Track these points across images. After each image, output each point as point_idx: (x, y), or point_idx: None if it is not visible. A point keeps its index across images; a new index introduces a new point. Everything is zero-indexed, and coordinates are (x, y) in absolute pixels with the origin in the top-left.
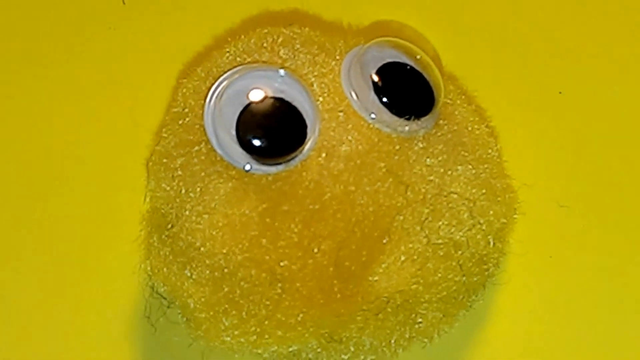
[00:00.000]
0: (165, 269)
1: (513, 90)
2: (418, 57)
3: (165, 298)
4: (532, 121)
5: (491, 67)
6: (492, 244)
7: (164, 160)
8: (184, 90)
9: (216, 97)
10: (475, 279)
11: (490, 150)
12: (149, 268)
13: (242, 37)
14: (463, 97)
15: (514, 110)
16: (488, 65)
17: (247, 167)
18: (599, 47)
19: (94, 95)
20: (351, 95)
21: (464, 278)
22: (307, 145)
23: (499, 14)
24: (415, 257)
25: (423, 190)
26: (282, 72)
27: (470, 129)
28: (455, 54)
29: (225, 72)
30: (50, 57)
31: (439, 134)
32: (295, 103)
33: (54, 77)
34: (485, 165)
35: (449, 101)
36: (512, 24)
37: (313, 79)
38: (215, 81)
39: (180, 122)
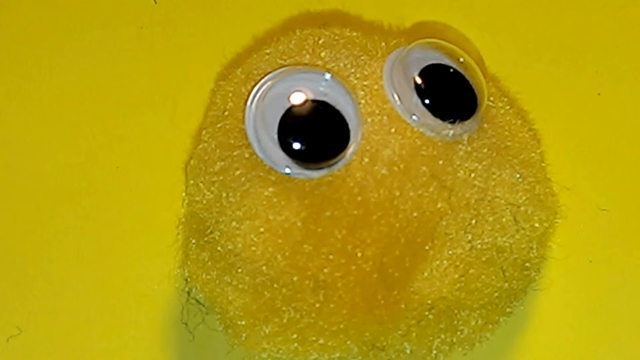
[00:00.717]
0: (204, 275)
1: (553, 91)
2: (461, 59)
3: (203, 304)
4: (571, 123)
5: (532, 69)
6: (534, 249)
7: (204, 164)
8: (224, 92)
9: (258, 100)
10: (517, 284)
11: (533, 154)
12: (186, 274)
13: (282, 38)
14: (505, 99)
15: (554, 112)
16: (529, 67)
17: (289, 171)
18: (638, 48)
19: (131, 98)
20: (393, 98)
21: (506, 284)
22: (350, 150)
23: (540, 17)
24: (458, 263)
25: (467, 195)
26: (327, 75)
27: (513, 132)
28: (498, 56)
29: (266, 74)
30: (83, 58)
31: (482, 137)
32: (337, 106)
33: (89, 80)
34: (529, 170)
35: (491, 104)
36: (553, 27)
37: (355, 82)
38: (257, 84)
39: (220, 125)
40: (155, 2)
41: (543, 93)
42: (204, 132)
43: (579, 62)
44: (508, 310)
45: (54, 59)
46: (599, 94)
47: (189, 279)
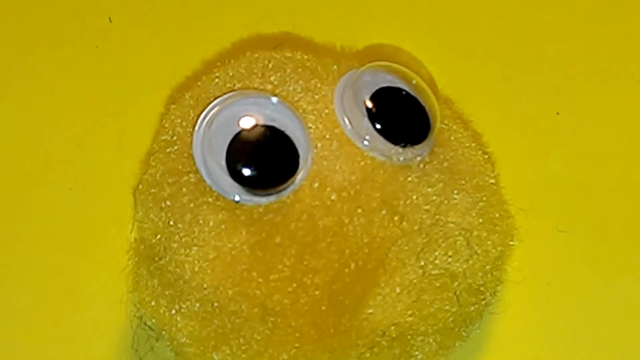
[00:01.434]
0: (153, 302)
1: (510, 112)
2: (413, 82)
3: (154, 330)
4: (529, 143)
5: (487, 89)
6: (489, 273)
7: (152, 190)
8: (172, 117)
9: (205, 125)
10: (472, 309)
11: (487, 178)
12: (137, 300)
13: (232, 61)
14: (459, 121)
15: (510, 132)
16: (483, 88)
17: (237, 198)
18: (597, 65)
19: (77, 118)
20: (344, 122)
21: (461, 309)
22: (299, 175)
23: (494, 37)
24: (410, 288)
25: (419, 220)
26: (274, 99)
27: (466, 155)
28: (451, 78)
29: (214, 99)
30: (34, 76)
31: (434, 161)
32: (287, 131)
33: (39, 98)
34: (483, 193)
35: (444, 126)
36: (508, 46)
37: (305, 106)
38: (205, 108)
39: (169, 150)
40: (111, 21)
41: (499, 114)
42: (152, 157)
43: (538, 81)
44: (463, 334)
45: (3, 75)
46: (557, 113)
47: (139, 305)
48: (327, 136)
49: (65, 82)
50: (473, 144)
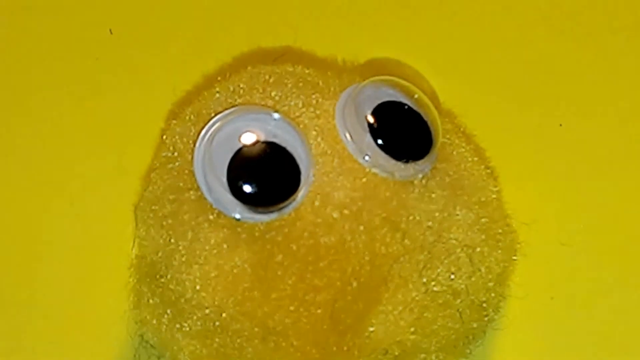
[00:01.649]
0: (155, 320)
1: (512, 125)
2: (415, 96)
3: (155, 348)
4: (531, 156)
5: (489, 102)
6: (492, 290)
7: (153, 207)
8: (173, 133)
9: (206, 142)
10: (474, 325)
11: (489, 193)
12: (138, 318)
13: (233, 76)
14: (461, 135)
15: (513, 145)
16: (486, 101)
17: (237, 215)
18: (600, 76)
19: (77, 132)
20: (346, 138)
21: (464, 326)
22: (301, 193)
23: (496, 50)
24: (413, 306)
25: (421, 237)
26: (275, 115)
27: (469, 170)
28: (453, 91)
29: (215, 115)
30: (35, 89)
31: (437, 177)
32: (288, 148)
33: (41, 113)
34: (485, 209)
35: (447, 140)
36: (509, 59)
37: (307, 121)
38: (205, 124)
39: (169, 166)
40: (111, 33)
41: (501, 127)
42: (153, 173)
43: (540, 92)
44: (467, 351)
45: (2, 89)
46: (560, 125)
47: (140, 323)
48: (329, 152)
49: (65, 95)
50: (475, 159)
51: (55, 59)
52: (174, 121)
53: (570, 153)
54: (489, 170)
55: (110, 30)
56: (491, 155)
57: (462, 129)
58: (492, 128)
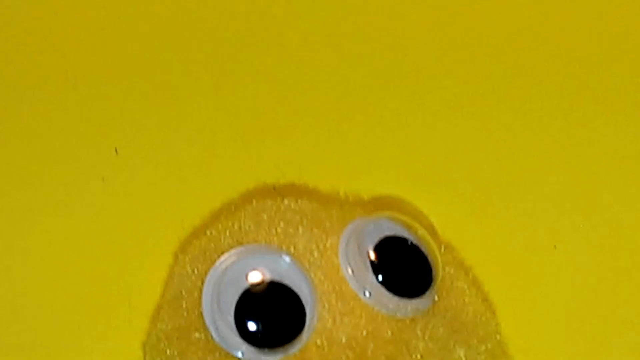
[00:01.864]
0: None
1: (510, 256)
2: (418, 232)
3: None
4: (526, 279)
5: (487, 234)
6: None
7: (161, 346)
8: (180, 271)
9: (214, 283)
10: None
11: (489, 328)
12: None
13: (238, 212)
14: (460, 268)
15: (509, 273)
16: (484, 233)
17: (240, 354)
18: (595, 195)
19: (83, 254)
20: (348, 273)
21: None
22: (306, 334)
23: (495, 180)
24: None
25: None
26: (287, 258)
27: (468, 304)
28: (451, 224)
29: (222, 256)
30: (33, 209)
31: (438, 315)
32: (294, 288)
33: (41, 236)
34: (485, 345)
35: (446, 273)
36: (508, 189)
37: (311, 259)
38: (213, 264)
39: (177, 306)
40: (117, 152)
41: (499, 259)
42: (161, 311)
43: (535, 215)
44: None
45: (8, 211)
46: (554, 247)
47: None
48: (333, 291)
49: (70, 215)
50: (475, 291)
51: (65, 176)
52: (181, 256)
53: (565, 275)
54: (488, 303)
55: (115, 149)
56: (489, 286)
57: (460, 261)
58: (489, 258)
